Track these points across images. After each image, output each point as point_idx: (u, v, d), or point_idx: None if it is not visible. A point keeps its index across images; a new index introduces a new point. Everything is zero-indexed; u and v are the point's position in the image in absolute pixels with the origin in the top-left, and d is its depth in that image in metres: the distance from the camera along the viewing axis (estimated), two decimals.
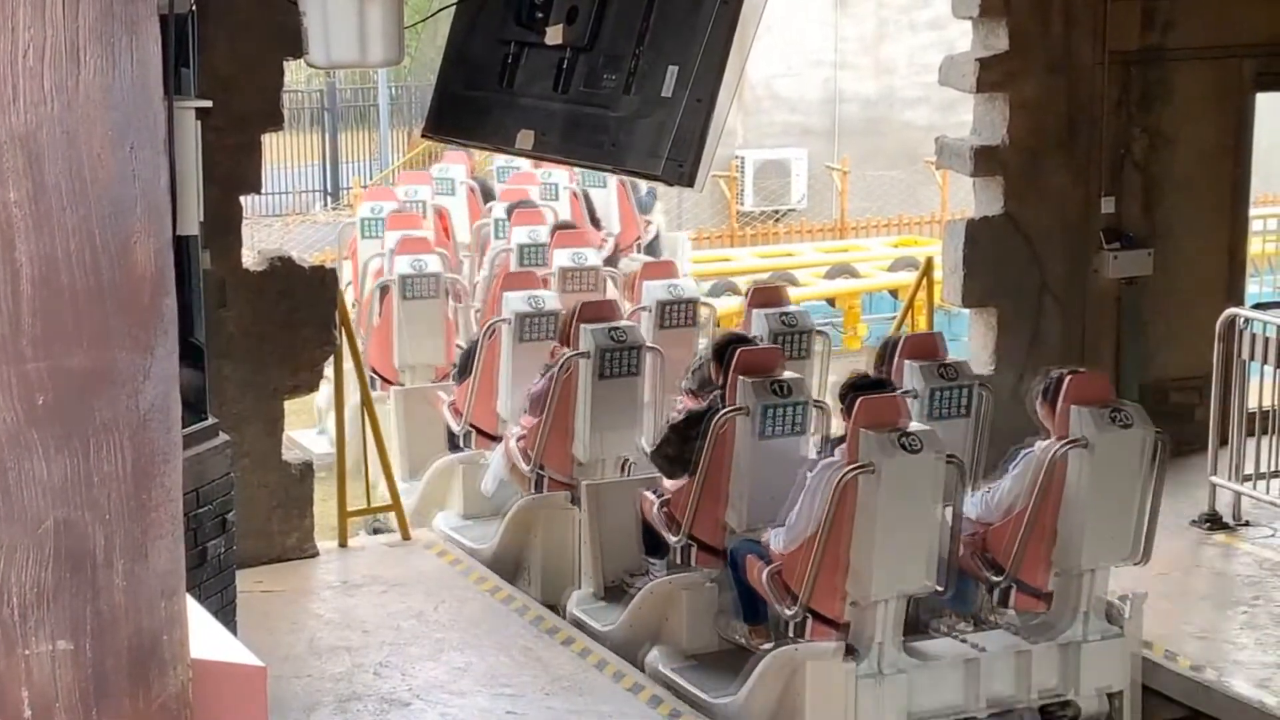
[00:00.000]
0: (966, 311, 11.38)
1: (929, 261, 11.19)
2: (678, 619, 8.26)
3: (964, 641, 7.72)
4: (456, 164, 16.75)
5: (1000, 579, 7.68)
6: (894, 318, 14.66)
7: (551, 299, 10.30)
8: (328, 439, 11.59)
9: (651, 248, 18.35)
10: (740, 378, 8.01)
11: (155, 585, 2.53)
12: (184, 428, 4.25)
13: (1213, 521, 9.73)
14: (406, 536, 9.93)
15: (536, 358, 9.71)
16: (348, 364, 9.81)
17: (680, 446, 8.35)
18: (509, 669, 7.97)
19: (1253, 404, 9.72)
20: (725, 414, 8.01)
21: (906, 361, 8.50)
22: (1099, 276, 10.95)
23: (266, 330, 9.18)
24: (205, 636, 2.76)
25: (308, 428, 17.05)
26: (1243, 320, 9.60)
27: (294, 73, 14.52)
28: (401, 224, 13.22)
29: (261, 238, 24.37)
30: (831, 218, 24.44)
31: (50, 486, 2.42)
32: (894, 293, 20.26)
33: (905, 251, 20.83)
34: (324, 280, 9.45)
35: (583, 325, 9.25)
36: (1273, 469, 9.56)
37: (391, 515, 10.07)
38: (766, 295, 10.08)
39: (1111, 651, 7.81)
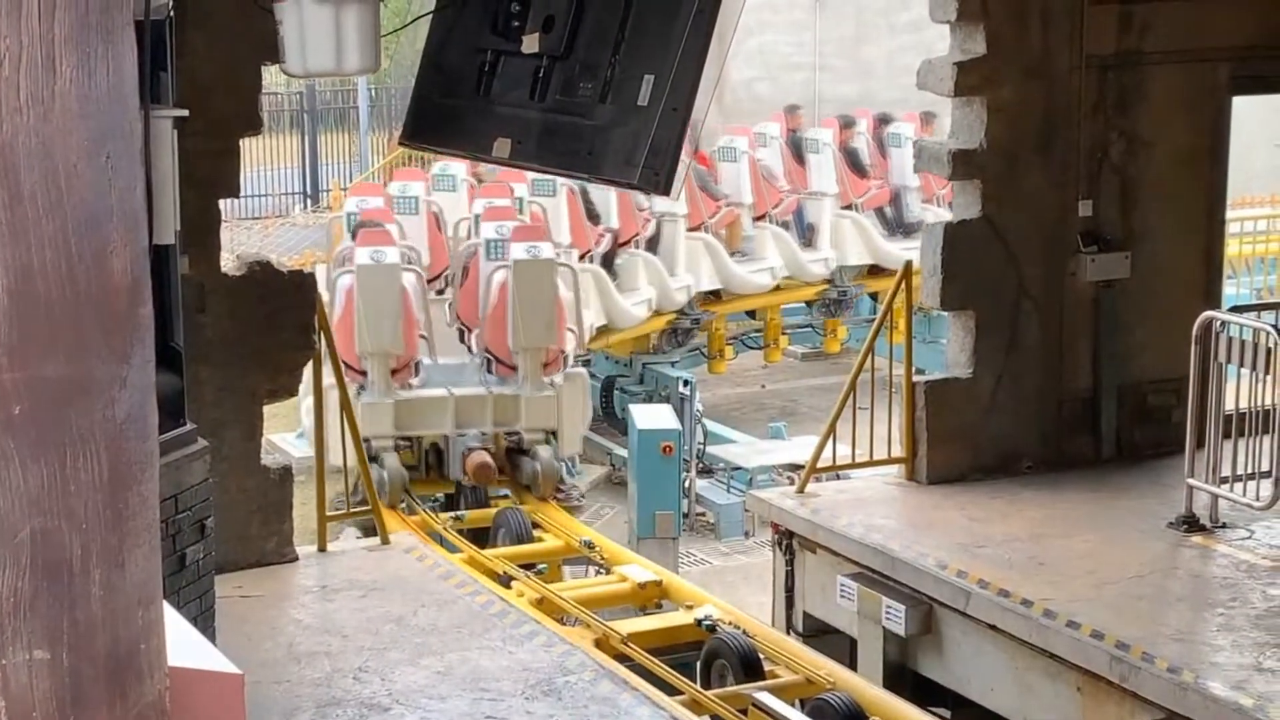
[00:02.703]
0: (945, 314, 11.40)
1: (908, 264, 11.20)
2: None
3: (449, 391, 13.07)
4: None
5: (476, 354, 13.42)
6: (873, 320, 14.69)
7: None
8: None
9: None
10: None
11: (132, 594, 2.53)
12: (162, 433, 4.25)
13: (1190, 524, 9.75)
14: (385, 541, 9.93)
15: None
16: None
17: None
18: (489, 673, 7.97)
19: (1229, 406, 9.74)
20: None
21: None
22: (1076, 279, 10.97)
23: (245, 334, 9.16)
24: (182, 644, 2.76)
25: (288, 431, 17.07)
26: (1219, 323, 9.63)
27: (273, 75, 14.51)
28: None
29: (241, 240, 24.33)
30: None
31: (27, 496, 2.42)
32: (874, 295, 20.30)
33: None
34: (303, 284, 9.44)
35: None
36: (1249, 471, 9.58)
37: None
38: (495, 213, 13.81)
39: (548, 404, 13.16)
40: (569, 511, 13.06)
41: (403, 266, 13.01)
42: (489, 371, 13.26)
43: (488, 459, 12.84)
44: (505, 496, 13.26)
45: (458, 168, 16.72)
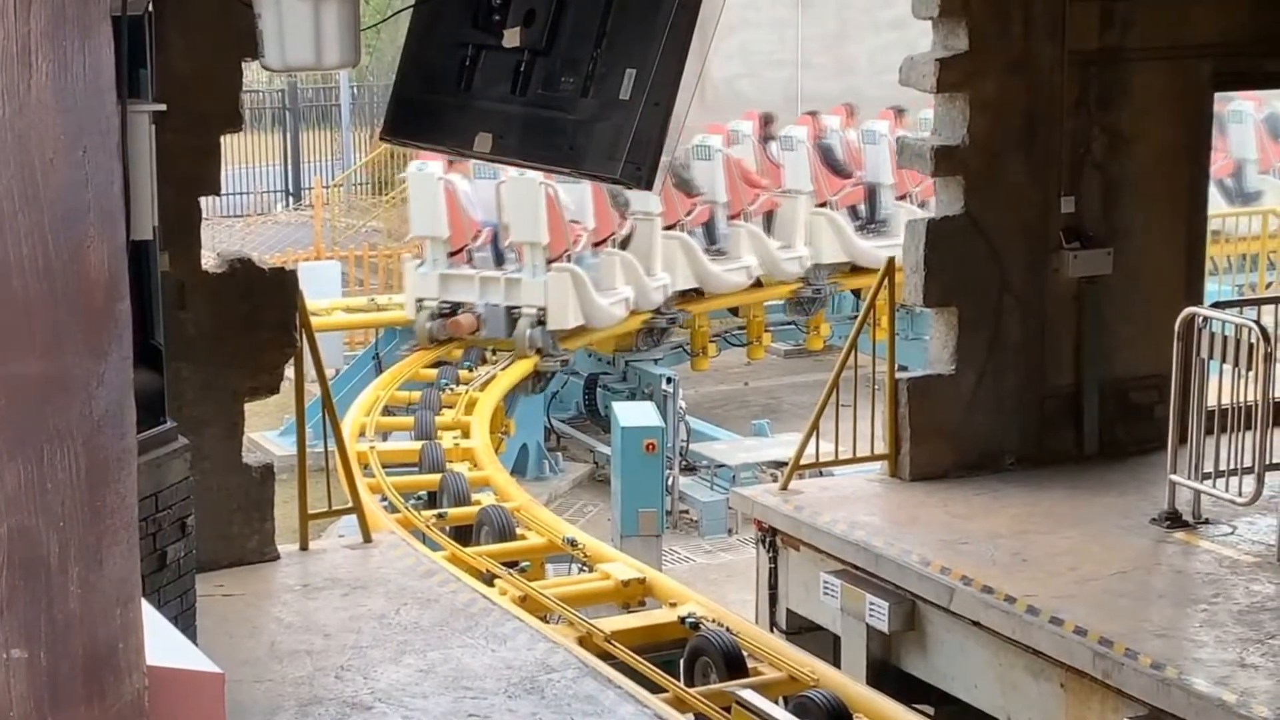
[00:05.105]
0: (928, 311, 11.40)
1: (890, 262, 11.20)
2: None
3: (475, 270, 17.30)
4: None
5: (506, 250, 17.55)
6: (855, 317, 14.70)
7: None
8: None
9: None
10: None
11: (110, 592, 2.51)
12: (142, 431, 4.24)
13: (1172, 520, 9.76)
14: (368, 539, 9.90)
15: None
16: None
17: None
18: (472, 671, 7.95)
19: (1212, 402, 9.76)
20: None
21: None
22: (1059, 276, 10.98)
23: (226, 332, 9.14)
24: (162, 643, 2.74)
25: (269, 429, 17.06)
26: (1201, 319, 9.64)
27: (255, 72, 14.48)
28: None
29: (222, 238, 24.29)
30: None
31: (3, 494, 2.40)
32: (856, 293, 20.31)
33: None
34: (284, 282, 9.41)
35: None
36: (1232, 467, 9.59)
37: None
38: None
39: (538, 287, 16.88)
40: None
41: (439, 176, 17.27)
42: (517, 261, 17.25)
43: (460, 320, 17.18)
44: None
45: None
